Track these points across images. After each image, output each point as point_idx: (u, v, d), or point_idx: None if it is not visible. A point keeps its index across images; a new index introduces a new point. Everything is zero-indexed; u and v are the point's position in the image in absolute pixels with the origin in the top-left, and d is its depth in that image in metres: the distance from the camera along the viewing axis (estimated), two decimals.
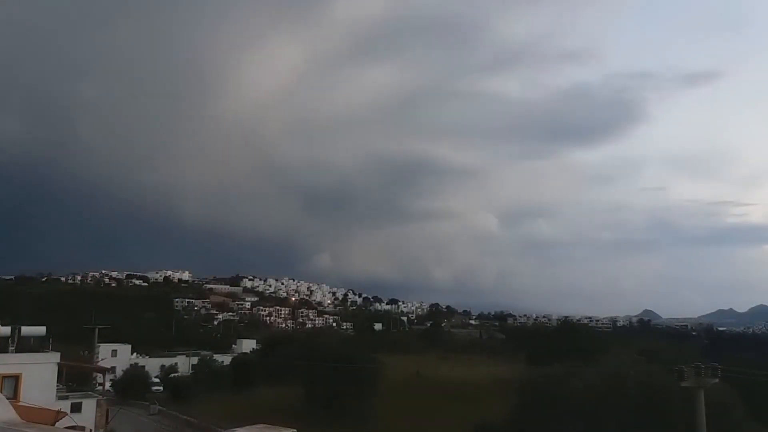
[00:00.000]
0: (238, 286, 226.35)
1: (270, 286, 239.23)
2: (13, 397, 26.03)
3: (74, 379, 43.83)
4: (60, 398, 31.66)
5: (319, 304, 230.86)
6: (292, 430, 5.82)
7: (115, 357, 70.78)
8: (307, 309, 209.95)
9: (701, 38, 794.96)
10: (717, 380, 22.47)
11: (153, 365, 75.56)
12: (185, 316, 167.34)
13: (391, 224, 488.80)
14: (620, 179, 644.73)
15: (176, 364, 77.76)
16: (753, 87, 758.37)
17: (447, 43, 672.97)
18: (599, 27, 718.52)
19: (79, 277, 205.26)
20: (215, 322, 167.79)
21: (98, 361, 58.76)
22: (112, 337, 71.68)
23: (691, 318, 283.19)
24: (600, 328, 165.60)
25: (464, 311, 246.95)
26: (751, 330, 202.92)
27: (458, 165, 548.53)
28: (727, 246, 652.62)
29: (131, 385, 61.99)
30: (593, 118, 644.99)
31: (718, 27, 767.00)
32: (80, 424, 30.85)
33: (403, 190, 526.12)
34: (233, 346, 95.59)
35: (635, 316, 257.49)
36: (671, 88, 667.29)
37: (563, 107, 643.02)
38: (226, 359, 71.52)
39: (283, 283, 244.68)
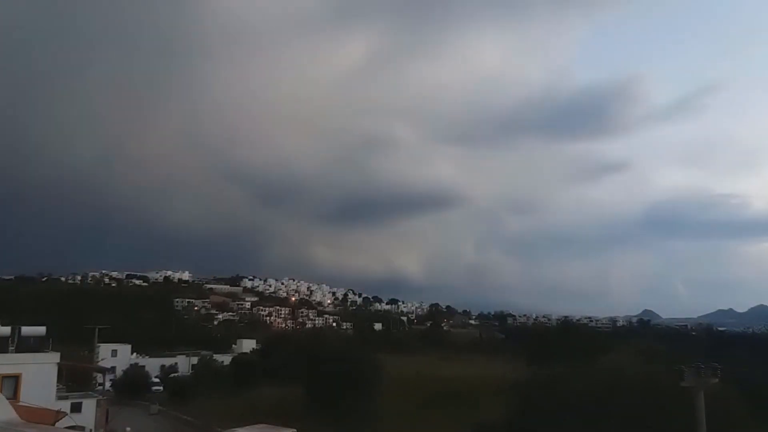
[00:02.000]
0: (238, 286, 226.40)
1: (270, 286, 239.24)
2: (13, 397, 26.04)
3: (74, 379, 43.78)
4: (60, 398, 31.75)
5: (319, 304, 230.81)
6: (292, 430, 5.82)
7: (115, 357, 70.87)
8: (307, 309, 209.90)
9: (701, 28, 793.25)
10: (717, 380, 22.44)
11: (153, 365, 75.60)
12: (185, 316, 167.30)
13: (389, 222, 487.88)
14: (617, 174, 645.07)
15: (176, 364, 77.86)
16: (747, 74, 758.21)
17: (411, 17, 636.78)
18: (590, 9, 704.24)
19: (79, 277, 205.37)
20: (215, 322, 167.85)
21: (98, 361, 58.90)
22: (112, 337, 71.78)
23: (691, 318, 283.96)
24: (600, 328, 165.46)
25: (464, 311, 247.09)
26: (751, 330, 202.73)
27: (454, 157, 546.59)
28: (727, 240, 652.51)
29: (131, 385, 62.12)
30: (585, 106, 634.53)
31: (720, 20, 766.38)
32: (80, 424, 30.96)
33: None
34: (233, 346, 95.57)
35: (635, 316, 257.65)
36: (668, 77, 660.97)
37: (551, 92, 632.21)
38: (226, 359, 71.44)
39: (283, 283, 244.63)
